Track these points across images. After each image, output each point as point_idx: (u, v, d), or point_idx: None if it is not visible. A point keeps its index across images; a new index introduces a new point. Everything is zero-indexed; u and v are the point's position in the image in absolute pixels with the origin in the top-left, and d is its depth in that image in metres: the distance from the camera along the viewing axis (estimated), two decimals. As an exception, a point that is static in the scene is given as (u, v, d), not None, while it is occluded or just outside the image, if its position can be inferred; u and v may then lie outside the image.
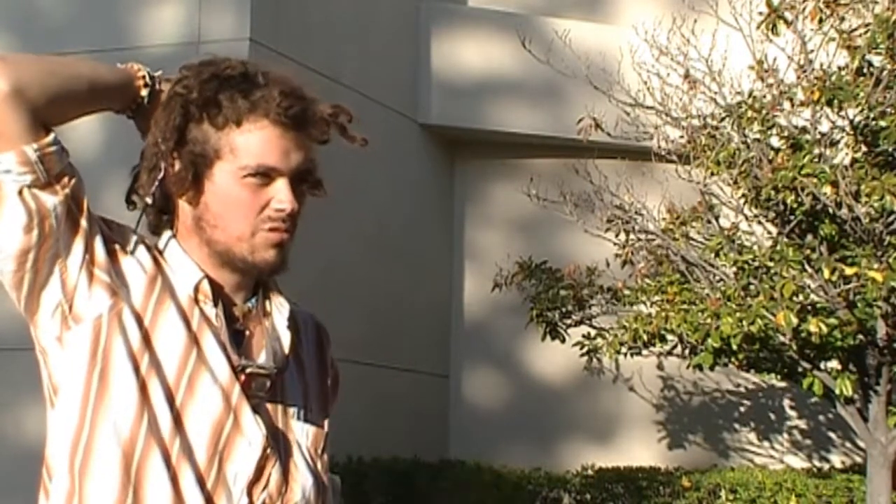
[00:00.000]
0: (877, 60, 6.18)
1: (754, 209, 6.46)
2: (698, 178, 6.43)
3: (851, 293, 5.97)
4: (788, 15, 6.36)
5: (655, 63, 6.68)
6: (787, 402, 8.69)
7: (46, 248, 1.76)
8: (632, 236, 6.83)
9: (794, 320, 5.61)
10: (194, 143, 1.84)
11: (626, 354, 6.78)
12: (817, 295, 6.03)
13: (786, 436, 8.68)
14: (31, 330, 1.84)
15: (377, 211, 8.43)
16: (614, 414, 8.86)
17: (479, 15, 9.18)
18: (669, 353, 6.85)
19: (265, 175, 1.84)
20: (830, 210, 6.00)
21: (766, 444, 8.70)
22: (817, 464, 8.37)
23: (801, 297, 5.81)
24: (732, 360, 6.37)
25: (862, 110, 6.16)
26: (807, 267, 5.95)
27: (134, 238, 1.87)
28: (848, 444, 8.50)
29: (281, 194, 1.85)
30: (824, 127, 6.38)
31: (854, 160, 6.22)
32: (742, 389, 8.75)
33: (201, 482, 1.81)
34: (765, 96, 6.41)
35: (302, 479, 1.91)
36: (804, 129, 6.35)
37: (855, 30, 6.32)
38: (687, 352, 6.59)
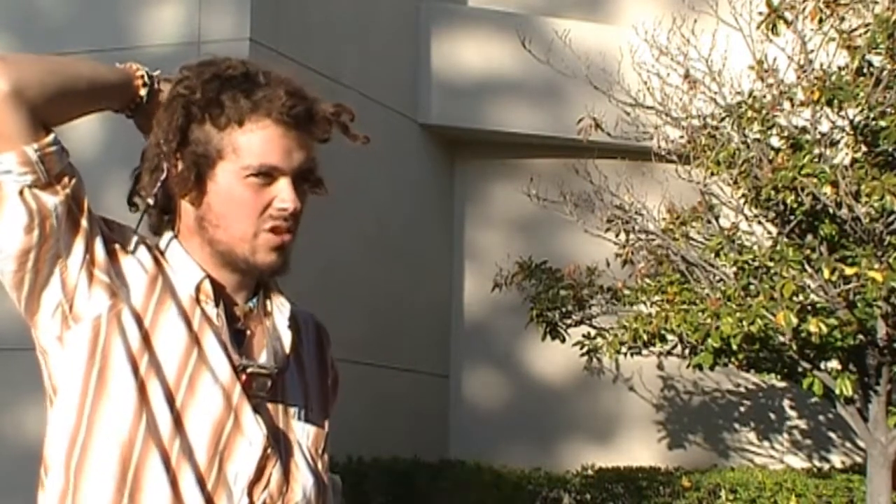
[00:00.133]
0: (877, 60, 6.18)
1: (754, 209, 6.46)
2: (698, 178, 6.43)
3: (851, 293, 5.97)
4: (788, 15, 6.36)
5: (655, 63, 6.68)
6: (787, 402, 8.69)
7: (47, 249, 1.76)
8: (632, 236, 6.83)
9: (794, 320, 5.61)
10: (197, 144, 1.85)
11: (626, 354, 6.78)
12: (817, 295, 6.03)
13: (786, 436, 8.68)
14: (32, 330, 1.84)
15: (377, 211, 8.43)
16: (614, 414, 8.86)
17: (479, 15, 9.18)
18: (669, 353, 6.85)
19: (268, 175, 1.84)
20: (830, 210, 6.00)
21: (766, 444, 8.70)
22: (817, 464, 8.37)
23: (801, 297, 5.81)
24: (732, 360, 6.37)
25: (862, 110, 6.16)
26: (807, 267, 5.95)
27: (134, 238, 1.87)
28: (848, 444, 8.50)
29: (283, 194, 1.85)
30: (824, 127, 6.37)
31: (854, 160, 6.22)
32: (742, 389, 8.75)
33: (202, 482, 1.81)
34: (765, 96, 6.41)
35: (303, 479, 1.91)
36: (804, 129, 6.35)
37: (855, 30, 6.32)
38: (687, 352, 6.59)
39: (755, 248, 6.36)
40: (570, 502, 7.57)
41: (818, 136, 6.26)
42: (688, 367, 6.70)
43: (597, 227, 6.82)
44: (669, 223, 6.69)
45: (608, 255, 7.08)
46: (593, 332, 7.02)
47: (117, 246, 1.84)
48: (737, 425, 8.76)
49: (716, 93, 6.53)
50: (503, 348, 8.93)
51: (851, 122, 6.28)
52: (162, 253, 1.89)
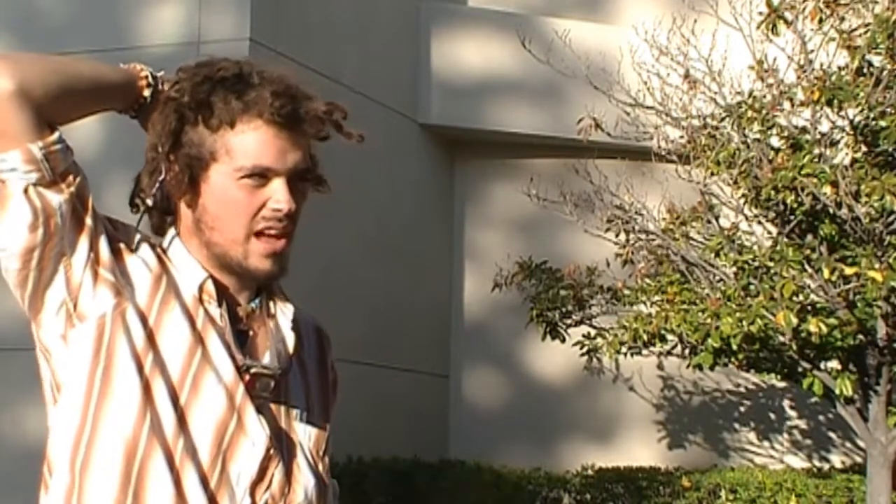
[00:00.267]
0: (877, 60, 6.18)
1: (754, 209, 6.46)
2: (698, 178, 6.43)
3: (851, 293, 5.97)
4: (788, 15, 6.36)
5: (655, 63, 6.68)
6: (787, 402, 8.69)
7: (51, 247, 1.77)
8: (632, 236, 6.83)
9: (794, 320, 5.61)
10: (190, 146, 1.85)
11: (626, 354, 6.78)
12: (817, 295, 6.03)
13: (786, 436, 8.68)
14: (33, 329, 1.84)
15: (377, 211, 8.43)
16: (614, 414, 8.86)
17: (479, 15, 9.18)
18: (669, 353, 6.85)
19: (261, 176, 1.84)
20: (830, 210, 6.00)
21: (766, 444, 8.70)
22: (817, 464, 8.37)
23: (801, 297, 5.81)
24: (732, 360, 6.37)
25: (862, 110, 6.16)
26: (807, 267, 5.95)
27: (139, 237, 1.87)
28: (848, 444, 8.50)
29: (278, 194, 1.85)
30: (824, 127, 6.37)
31: (854, 160, 6.22)
32: (742, 389, 8.75)
33: (204, 482, 1.81)
34: (765, 96, 6.41)
35: (304, 480, 1.91)
36: (804, 129, 6.35)
37: (855, 30, 6.32)
38: (687, 352, 6.59)
39: (755, 248, 6.36)
40: (570, 502, 7.57)
41: (818, 136, 6.26)
42: (688, 367, 6.69)
43: (597, 227, 6.82)
44: (669, 223, 6.69)
45: (608, 255, 7.08)
46: (593, 332, 7.02)
47: (122, 245, 1.84)
48: (737, 425, 8.76)
49: (716, 93, 6.52)
50: (503, 348, 8.93)
51: (851, 122, 6.28)
52: (165, 252, 1.89)
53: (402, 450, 7.94)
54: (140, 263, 1.85)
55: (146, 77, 1.88)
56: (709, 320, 5.92)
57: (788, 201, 5.99)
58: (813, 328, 5.69)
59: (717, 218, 6.60)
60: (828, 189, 5.85)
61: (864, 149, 6.23)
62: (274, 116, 1.83)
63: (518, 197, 7.59)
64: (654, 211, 6.75)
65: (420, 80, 8.97)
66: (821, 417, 8.59)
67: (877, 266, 5.71)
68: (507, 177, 8.87)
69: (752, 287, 6.02)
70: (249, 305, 1.93)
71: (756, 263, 6.07)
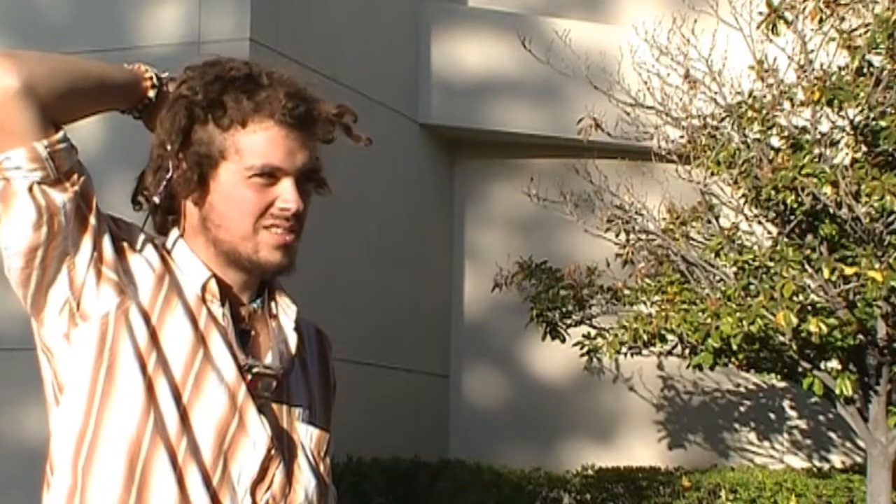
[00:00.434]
0: (877, 60, 6.18)
1: (754, 209, 6.46)
2: (698, 178, 6.42)
3: (851, 293, 5.97)
4: (788, 15, 6.35)
5: (655, 63, 6.68)
6: (787, 402, 8.69)
7: (55, 246, 1.76)
8: (632, 236, 6.83)
9: (794, 320, 5.61)
10: (199, 145, 1.85)
11: (626, 354, 6.77)
12: (817, 295, 6.03)
13: (786, 436, 8.68)
14: (35, 329, 1.84)
15: (377, 211, 8.43)
16: (614, 414, 8.86)
17: (479, 15, 9.18)
18: (669, 353, 6.84)
19: (270, 175, 1.85)
20: (830, 210, 6.00)
21: (766, 444, 8.70)
22: (817, 464, 8.37)
23: (801, 297, 5.81)
24: (732, 360, 6.36)
25: (862, 110, 6.16)
26: (807, 267, 5.95)
27: (142, 236, 1.87)
28: (848, 444, 8.50)
29: (286, 194, 1.86)
30: (824, 127, 6.37)
31: (854, 160, 6.21)
32: (742, 389, 8.75)
33: (207, 481, 1.81)
34: (765, 96, 6.41)
35: (305, 481, 1.91)
36: (804, 129, 6.35)
37: (855, 30, 6.31)
38: (687, 352, 6.59)
39: (755, 248, 6.36)
40: (570, 502, 7.57)
41: (818, 136, 6.26)
42: (688, 367, 6.69)
43: (597, 227, 6.82)
44: (669, 223, 6.69)
45: (608, 255, 7.08)
46: (593, 332, 7.01)
47: (125, 244, 1.84)
48: (737, 425, 8.76)
49: (716, 93, 6.52)
50: (503, 348, 8.93)
51: (851, 122, 6.27)
52: (168, 252, 1.90)
53: (402, 450, 7.94)
54: (143, 262, 1.85)
55: (151, 78, 1.89)
56: (709, 320, 5.92)
57: (788, 201, 5.98)
58: (813, 328, 5.68)
59: (717, 218, 6.60)
60: (828, 189, 5.85)
61: (864, 149, 6.23)
62: (286, 117, 1.85)
63: (518, 197, 7.58)
64: (654, 211, 6.75)
65: (420, 79, 8.97)
66: (821, 417, 8.59)
67: (877, 266, 5.71)
68: (507, 177, 8.87)
69: (752, 287, 6.02)
70: (252, 305, 1.93)
71: (756, 263, 6.07)
